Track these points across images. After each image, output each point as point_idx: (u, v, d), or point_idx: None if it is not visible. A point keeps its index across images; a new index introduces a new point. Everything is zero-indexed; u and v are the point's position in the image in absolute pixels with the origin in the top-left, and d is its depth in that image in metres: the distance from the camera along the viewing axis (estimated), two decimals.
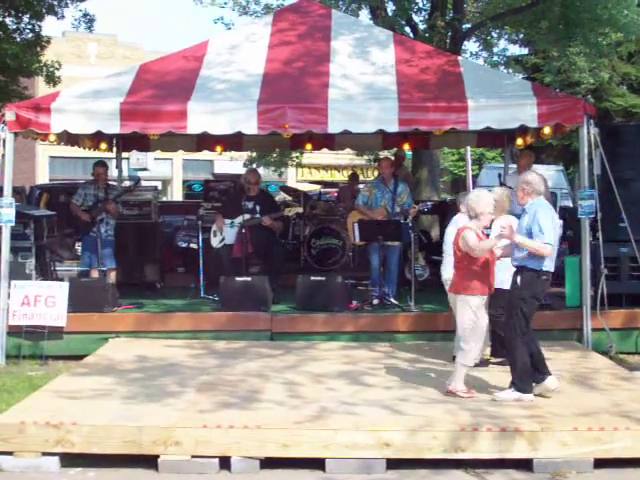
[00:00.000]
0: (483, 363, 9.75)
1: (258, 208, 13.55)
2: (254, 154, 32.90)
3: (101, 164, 13.74)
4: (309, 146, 16.81)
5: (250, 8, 23.67)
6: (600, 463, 7.36)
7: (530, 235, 8.44)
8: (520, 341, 8.50)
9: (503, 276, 9.19)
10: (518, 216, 10.03)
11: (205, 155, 24.49)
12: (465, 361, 8.72)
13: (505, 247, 8.90)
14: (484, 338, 8.91)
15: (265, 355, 10.74)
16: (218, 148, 16.73)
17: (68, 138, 13.35)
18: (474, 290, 8.64)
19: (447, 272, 9.74)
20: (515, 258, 8.64)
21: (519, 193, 8.76)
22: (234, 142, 16.11)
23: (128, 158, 33.38)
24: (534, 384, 8.65)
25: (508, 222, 9.05)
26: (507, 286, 8.97)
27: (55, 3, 22.68)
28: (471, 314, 8.64)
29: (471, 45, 62.63)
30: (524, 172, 12.49)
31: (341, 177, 41.52)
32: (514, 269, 8.74)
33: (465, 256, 8.67)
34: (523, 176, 8.94)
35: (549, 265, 8.51)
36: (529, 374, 8.58)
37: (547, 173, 22.27)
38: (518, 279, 8.54)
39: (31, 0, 21.20)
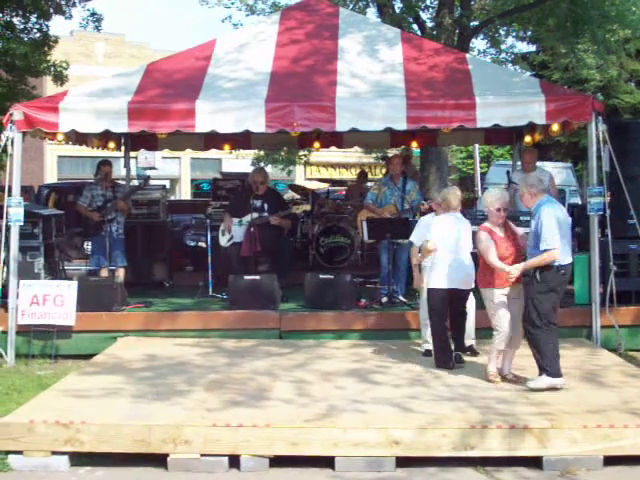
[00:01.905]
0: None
1: (266, 207, 13.54)
2: (261, 152, 32.93)
3: (107, 163, 13.73)
4: (317, 144, 16.83)
5: (257, 7, 23.70)
6: (610, 460, 7.35)
7: (538, 238, 8.67)
8: (541, 330, 8.71)
9: (458, 276, 9.73)
10: (525, 213, 10.20)
11: (213, 154, 24.58)
12: (495, 345, 9.09)
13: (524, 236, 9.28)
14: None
15: (274, 353, 10.74)
16: (226, 147, 16.75)
17: (76, 137, 13.38)
18: (491, 284, 9.00)
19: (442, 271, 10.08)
20: (531, 255, 8.85)
21: (526, 197, 9.02)
22: (242, 140, 16.14)
23: (136, 157, 33.47)
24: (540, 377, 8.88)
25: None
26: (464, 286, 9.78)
27: (63, 3, 22.68)
28: (492, 305, 9.01)
29: (479, 42, 62.72)
30: (528, 169, 12.58)
31: (349, 175, 41.56)
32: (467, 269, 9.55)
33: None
34: (524, 181, 9.16)
35: (564, 259, 8.76)
36: (557, 358, 8.78)
37: (555, 170, 22.24)
38: (537, 274, 8.73)
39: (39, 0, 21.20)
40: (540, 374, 8.82)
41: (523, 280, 9.04)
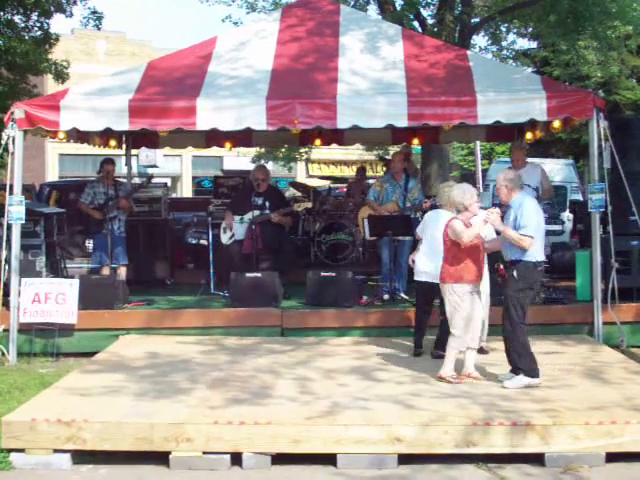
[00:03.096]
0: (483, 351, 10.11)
1: (267, 204, 13.55)
2: (262, 150, 32.94)
3: (110, 161, 13.74)
4: (318, 141, 16.87)
5: (258, 5, 23.71)
6: (612, 457, 7.35)
7: (517, 227, 8.74)
8: (520, 328, 8.75)
9: (430, 270, 9.93)
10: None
11: (214, 151, 24.53)
12: (455, 345, 9.08)
13: (491, 241, 9.34)
14: (480, 326, 9.24)
15: (276, 351, 10.74)
16: (227, 144, 16.72)
17: (77, 135, 13.40)
18: (460, 279, 8.97)
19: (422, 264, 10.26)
20: (509, 253, 8.90)
21: (503, 191, 9.04)
22: (243, 138, 16.14)
23: (137, 155, 33.48)
24: (511, 374, 8.92)
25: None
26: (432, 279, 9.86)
27: (64, 1, 22.69)
28: (458, 300, 8.97)
29: (480, 39, 62.73)
30: (518, 166, 12.62)
31: (351, 172, 41.54)
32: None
33: (452, 246, 9.02)
34: (504, 175, 9.16)
35: (541, 256, 8.89)
36: (533, 358, 8.82)
37: (557, 167, 22.28)
38: (514, 272, 8.79)
39: None
40: (517, 373, 8.84)
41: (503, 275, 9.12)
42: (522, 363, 8.77)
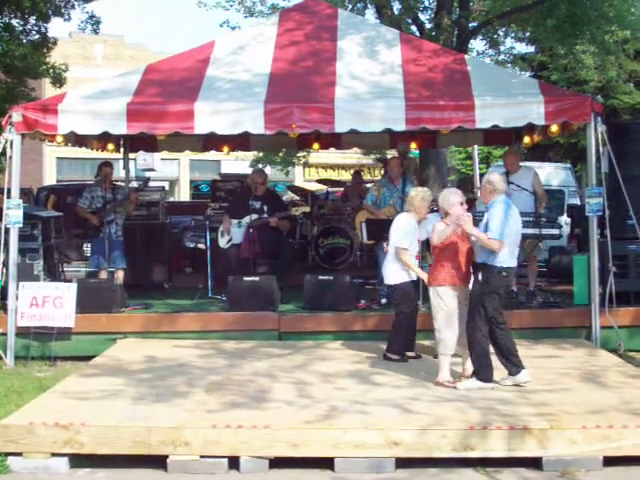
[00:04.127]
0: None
1: (265, 208, 13.55)
2: (260, 154, 32.94)
3: (108, 164, 13.70)
4: (316, 145, 16.84)
5: (255, 9, 23.69)
6: (610, 461, 7.34)
7: (487, 229, 8.78)
8: (480, 334, 8.81)
9: (399, 273, 10.10)
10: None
11: (212, 155, 24.56)
12: (444, 350, 9.10)
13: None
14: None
15: (273, 355, 10.74)
16: (225, 148, 16.74)
17: (75, 139, 13.39)
18: (443, 281, 9.04)
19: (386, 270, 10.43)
20: (478, 255, 8.96)
21: (482, 192, 9.15)
22: (241, 142, 16.14)
23: (135, 159, 33.45)
24: (508, 376, 9.02)
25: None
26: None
27: (61, 5, 22.69)
28: (442, 304, 9.03)
29: (477, 43, 62.82)
30: (512, 171, 12.62)
31: (348, 176, 41.56)
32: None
33: (434, 249, 9.16)
34: (486, 176, 9.27)
35: (508, 261, 8.85)
36: (489, 364, 8.91)
37: (554, 171, 22.26)
38: (480, 276, 8.87)
39: (37, 1, 21.17)
40: (471, 376, 8.97)
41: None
42: (476, 366, 8.90)
